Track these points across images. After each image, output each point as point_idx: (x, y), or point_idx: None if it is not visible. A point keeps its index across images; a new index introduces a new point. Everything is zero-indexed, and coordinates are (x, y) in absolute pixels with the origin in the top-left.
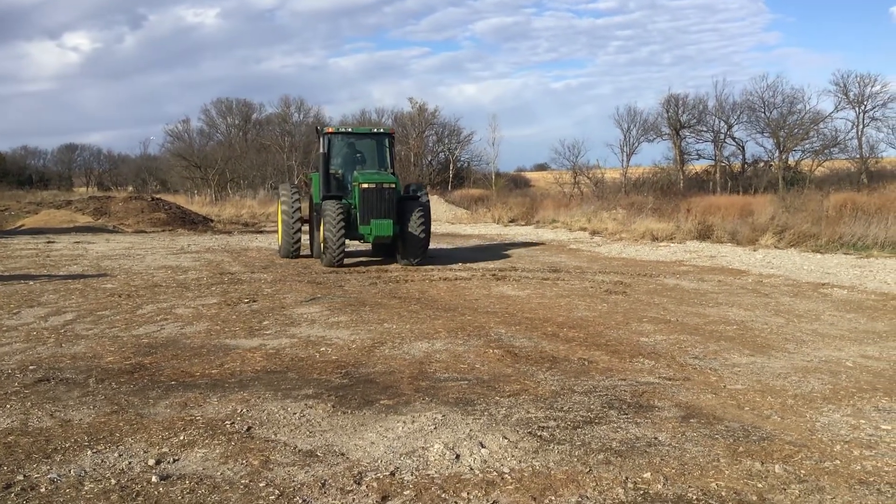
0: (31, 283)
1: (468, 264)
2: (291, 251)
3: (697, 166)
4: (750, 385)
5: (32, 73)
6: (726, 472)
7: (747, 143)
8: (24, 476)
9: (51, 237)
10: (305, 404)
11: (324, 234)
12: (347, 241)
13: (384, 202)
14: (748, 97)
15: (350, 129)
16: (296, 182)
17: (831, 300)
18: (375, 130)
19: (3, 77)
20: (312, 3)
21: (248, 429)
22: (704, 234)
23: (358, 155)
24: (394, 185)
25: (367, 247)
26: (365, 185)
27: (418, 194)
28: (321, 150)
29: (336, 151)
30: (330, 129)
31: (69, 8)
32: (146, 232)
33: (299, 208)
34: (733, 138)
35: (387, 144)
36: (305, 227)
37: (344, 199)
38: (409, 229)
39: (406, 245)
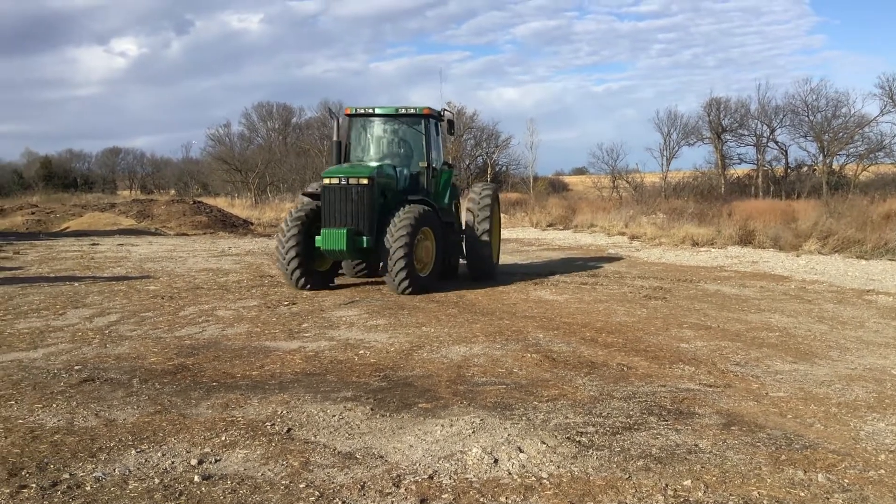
0: (77, 284)
1: (506, 268)
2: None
3: (739, 170)
4: (792, 393)
5: (81, 78)
6: (768, 480)
7: (790, 148)
8: (70, 475)
9: (95, 239)
10: (344, 407)
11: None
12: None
13: (350, 204)
14: (791, 101)
15: (372, 110)
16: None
17: (876, 307)
18: (404, 111)
19: (52, 82)
20: (355, 8)
21: (288, 430)
22: (746, 240)
23: (388, 143)
24: (367, 181)
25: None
26: (325, 181)
27: (446, 201)
28: (334, 138)
29: (357, 138)
30: (348, 111)
31: (118, 14)
32: (188, 235)
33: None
34: (776, 142)
35: (422, 129)
36: None
37: None
38: (384, 240)
39: (378, 260)
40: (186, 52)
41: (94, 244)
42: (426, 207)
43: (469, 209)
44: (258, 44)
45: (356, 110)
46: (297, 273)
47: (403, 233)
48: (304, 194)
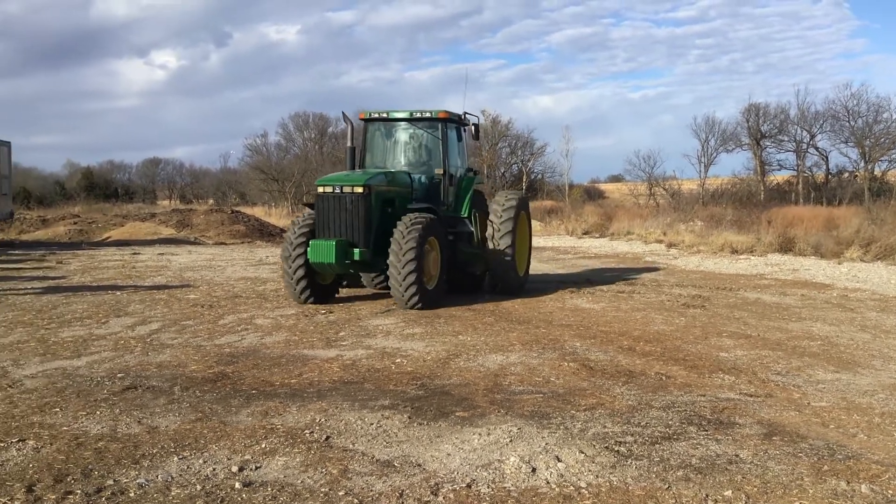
0: (119, 293)
1: (542, 276)
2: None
3: (779, 177)
4: (835, 402)
5: (122, 90)
6: (810, 491)
7: (831, 153)
8: (114, 481)
9: (136, 249)
10: (382, 415)
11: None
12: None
13: (344, 214)
14: (831, 106)
15: (387, 114)
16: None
17: None
18: (420, 115)
19: (94, 94)
20: (391, 19)
21: (327, 438)
22: (786, 247)
23: (404, 148)
24: (362, 189)
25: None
26: (319, 190)
27: (459, 213)
28: (348, 143)
29: (373, 144)
30: (363, 115)
31: (158, 27)
32: (226, 244)
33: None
34: (816, 148)
35: (439, 134)
36: None
37: None
38: (390, 251)
39: (385, 276)
40: (225, 64)
41: (135, 253)
42: (431, 216)
43: (491, 220)
44: (295, 54)
45: (370, 114)
46: (306, 291)
47: (412, 245)
48: (306, 204)
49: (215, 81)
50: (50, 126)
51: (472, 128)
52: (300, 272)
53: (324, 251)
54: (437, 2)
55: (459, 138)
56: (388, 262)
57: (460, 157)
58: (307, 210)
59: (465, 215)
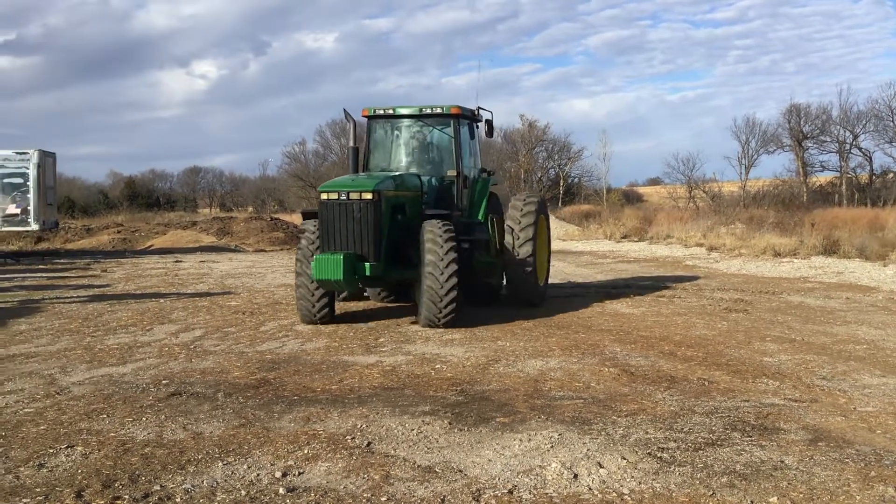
0: (162, 300)
1: (580, 281)
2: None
3: (822, 178)
4: (882, 407)
5: (163, 100)
6: (857, 497)
7: (875, 154)
8: (161, 486)
9: (178, 256)
10: (423, 421)
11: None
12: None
13: (352, 224)
14: (874, 105)
15: (393, 110)
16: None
17: None
18: (429, 111)
19: (136, 104)
20: (427, 25)
21: (369, 444)
22: (830, 250)
23: (412, 148)
24: (371, 196)
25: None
26: (323, 197)
27: (474, 218)
28: (351, 143)
29: (378, 144)
30: (366, 112)
31: (198, 37)
32: (266, 251)
33: None
34: (860, 148)
35: (451, 132)
36: None
37: None
38: (424, 265)
39: (417, 295)
40: (264, 73)
41: (177, 261)
42: (450, 224)
43: (509, 226)
44: (332, 62)
45: (374, 111)
46: (326, 310)
47: (452, 265)
48: (304, 213)
49: (254, 90)
50: (93, 137)
51: (486, 124)
52: (321, 290)
53: (330, 267)
54: (474, 7)
55: (472, 136)
56: (425, 279)
57: (473, 156)
58: (307, 221)
59: (482, 220)
